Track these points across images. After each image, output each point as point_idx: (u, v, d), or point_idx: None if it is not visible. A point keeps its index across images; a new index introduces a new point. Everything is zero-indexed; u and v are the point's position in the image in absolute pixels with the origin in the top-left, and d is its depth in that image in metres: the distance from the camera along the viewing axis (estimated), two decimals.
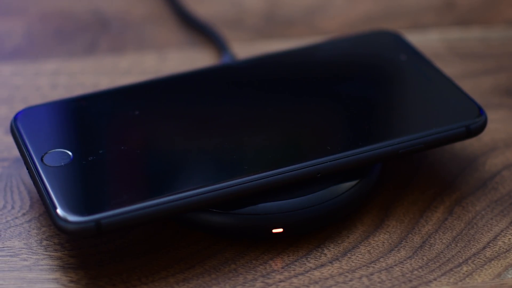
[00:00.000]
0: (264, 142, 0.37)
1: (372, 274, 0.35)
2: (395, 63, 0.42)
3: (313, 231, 0.37)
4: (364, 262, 0.36)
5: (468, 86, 0.46)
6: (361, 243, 0.36)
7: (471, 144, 0.42)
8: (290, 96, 0.40)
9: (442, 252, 0.36)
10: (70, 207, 0.33)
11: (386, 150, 0.36)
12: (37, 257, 0.35)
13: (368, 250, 0.36)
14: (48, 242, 0.36)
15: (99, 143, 0.37)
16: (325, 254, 0.36)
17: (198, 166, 0.36)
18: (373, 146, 0.36)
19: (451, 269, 0.35)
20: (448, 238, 0.37)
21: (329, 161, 0.36)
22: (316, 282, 0.34)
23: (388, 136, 0.37)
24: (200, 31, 0.52)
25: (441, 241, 0.36)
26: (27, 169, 0.36)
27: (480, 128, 0.38)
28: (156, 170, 0.35)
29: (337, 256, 0.36)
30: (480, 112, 0.38)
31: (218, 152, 0.36)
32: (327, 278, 0.35)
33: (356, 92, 0.40)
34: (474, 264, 0.35)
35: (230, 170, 0.35)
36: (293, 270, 0.35)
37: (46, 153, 0.36)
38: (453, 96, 0.39)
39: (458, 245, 0.36)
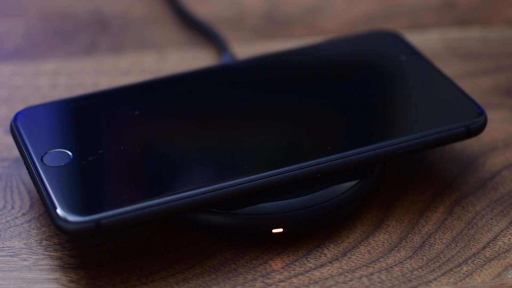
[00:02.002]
0: (264, 142, 0.37)
1: (372, 274, 0.35)
2: (395, 63, 0.42)
3: (313, 231, 0.37)
4: (364, 262, 0.35)
5: (468, 86, 0.46)
6: (361, 243, 0.36)
7: (471, 144, 0.42)
8: (290, 96, 0.40)
9: (442, 252, 0.36)
10: (70, 207, 0.33)
11: (386, 150, 0.36)
12: (37, 257, 0.35)
13: (368, 250, 0.36)
14: (48, 242, 0.36)
15: (99, 143, 0.37)
16: (325, 254, 0.36)
17: (198, 166, 0.36)
18: (372, 146, 0.36)
19: (451, 269, 0.35)
20: (448, 238, 0.37)
21: (329, 161, 0.36)
22: (316, 282, 0.34)
23: (388, 136, 0.37)
24: (200, 31, 0.52)
25: (441, 241, 0.36)
26: (27, 169, 0.36)
27: (480, 128, 0.38)
28: (156, 170, 0.35)
29: (337, 256, 0.36)
30: (480, 112, 0.38)
31: (218, 152, 0.36)
32: (327, 278, 0.35)
33: (356, 92, 0.40)
34: (474, 264, 0.35)
35: (230, 170, 0.35)
36: (293, 270, 0.35)
37: (46, 153, 0.36)
38: (453, 96, 0.39)
39: (458, 245, 0.36)
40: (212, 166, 0.36)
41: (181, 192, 0.34)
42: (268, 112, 0.39)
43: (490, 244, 0.36)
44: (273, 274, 0.35)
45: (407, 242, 0.36)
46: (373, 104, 0.39)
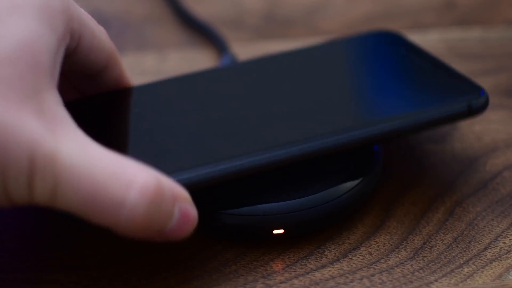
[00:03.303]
0: (274, 117, 0.37)
1: (373, 275, 0.35)
2: (397, 57, 0.42)
3: (313, 232, 0.37)
4: (365, 263, 0.35)
5: None
6: (361, 244, 0.36)
7: (472, 145, 0.42)
8: (291, 92, 0.40)
9: (443, 253, 0.36)
10: None
11: (389, 128, 0.36)
12: (37, 257, 0.35)
13: (369, 251, 0.36)
14: (48, 242, 0.36)
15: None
16: (326, 255, 0.36)
17: (213, 138, 0.36)
18: (375, 125, 0.36)
19: (452, 270, 0.35)
20: (449, 239, 0.37)
21: (337, 138, 0.36)
22: (317, 283, 0.34)
23: (390, 115, 0.37)
24: (200, 31, 0.52)
25: (442, 242, 0.36)
26: None
27: (482, 106, 0.38)
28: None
29: (337, 257, 0.36)
30: (482, 92, 0.38)
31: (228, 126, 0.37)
32: (327, 279, 0.35)
33: (360, 84, 0.40)
34: (475, 265, 0.35)
35: (238, 147, 0.35)
36: (294, 271, 0.35)
37: None
38: (456, 80, 0.39)
39: (459, 246, 0.36)
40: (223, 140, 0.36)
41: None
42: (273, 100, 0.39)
43: (491, 245, 0.36)
44: (274, 275, 0.35)
45: (408, 243, 0.36)
46: (375, 91, 0.39)
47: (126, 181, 0.30)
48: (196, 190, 0.34)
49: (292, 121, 0.37)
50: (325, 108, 0.38)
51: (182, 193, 0.32)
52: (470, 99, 0.38)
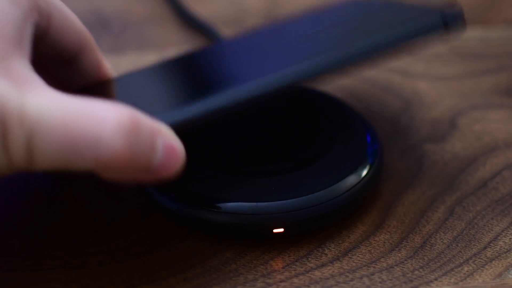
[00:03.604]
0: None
1: (373, 274, 0.35)
2: (373, 9, 0.42)
3: (314, 231, 0.37)
4: (365, 262, 0.35)
5: (468, 86, 0.46)
6: (361, 243, 0.36)
7: (472, 144, 0.42)
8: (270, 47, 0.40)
9: (443, 252, 0.36)
10: None
11: (371, 44, 0.36)
12: (38, 256, 0.35)
13: (369, 250, 0.36)
14: (49, 241, 0.36)
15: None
16: (326, 254, 0.36)
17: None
18: (354, 44, 0.36)
19: (452, 269, 0.35)
20: (449, 238, 0.37)
21: (318, 59, 0.35)
22: (317, 282, 0.34)
23: (371, 36, 0.36)
24: (200, 31, 0.52)
25: (442, 241, 0.36)
26: None
27: (456, 17, 0.36)
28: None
29: (337, 256, 0.36)
30: (454, 7, 0.37)
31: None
32: (327, 278, 0.35)
33: (334, 28, 0.40)
34: (475, 264, 0.35)
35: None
36: (294, 270, 0.35)
37: None
38: (430, 5, 0.39)
39: (459, 245, 0.36)
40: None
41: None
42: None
43: (491, 244, 0.36)
44: (274, 274, 0.35)
45: (408, 242, 0.36)
46: (349, 27, 0.39)
47: (99, 119, 0.30)
48: (178, 130, 0.33)
49: (267, 64, 0.37)
50: (306, 44, 0.39)
51: (163, 127, 0.32)
52: (443, 11, 0.36)
